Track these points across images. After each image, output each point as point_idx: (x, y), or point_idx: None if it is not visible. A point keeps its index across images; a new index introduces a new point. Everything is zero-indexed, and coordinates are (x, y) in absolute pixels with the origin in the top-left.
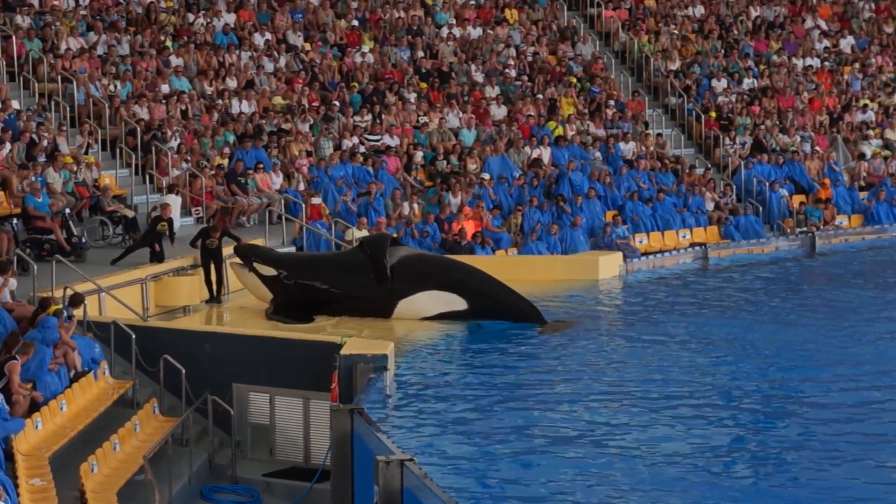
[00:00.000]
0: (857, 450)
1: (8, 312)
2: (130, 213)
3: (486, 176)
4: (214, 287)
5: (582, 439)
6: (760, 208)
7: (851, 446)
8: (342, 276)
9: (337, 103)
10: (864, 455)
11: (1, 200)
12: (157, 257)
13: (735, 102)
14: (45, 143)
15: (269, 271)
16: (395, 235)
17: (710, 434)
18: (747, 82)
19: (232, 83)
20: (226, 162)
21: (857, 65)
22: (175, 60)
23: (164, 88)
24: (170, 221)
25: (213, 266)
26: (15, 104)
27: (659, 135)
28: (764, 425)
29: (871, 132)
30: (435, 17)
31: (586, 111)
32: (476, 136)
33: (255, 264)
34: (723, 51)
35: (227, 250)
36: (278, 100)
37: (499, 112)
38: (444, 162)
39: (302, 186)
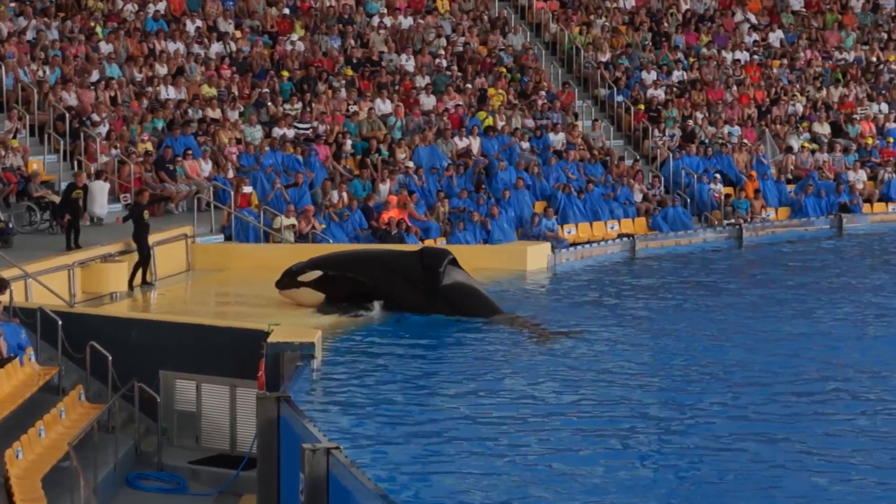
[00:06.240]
0: (778, 435)
1: None
2: (57, 199)
3: (412, 164)
4: (140, 270)
5: (509, 426)
6: (689, 200)
7: (773, 427)
8: (391, 276)
9: (267, 91)
10: (785, 446)
11: None
12: (75, 241)
13: (664, 95)
14: None
15: (314, 274)
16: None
17: (635, 423)
18: (677, 74)
19: (162, 70)
20: (149, 146)
21: (785, 59)
22: (105, 47)
23: (95, 75)
24: (84, 188)
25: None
26: None
27: (595, 121)
28: (692, 415)
29: (799, 125)
30: (366, 6)
31: (516, 101)
32: (405, 125)
33: (298, 279)
34: (653, 43)
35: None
36: (206, 88)
37: (428, 102)
38: (377, 155)
39: (231, 174)
